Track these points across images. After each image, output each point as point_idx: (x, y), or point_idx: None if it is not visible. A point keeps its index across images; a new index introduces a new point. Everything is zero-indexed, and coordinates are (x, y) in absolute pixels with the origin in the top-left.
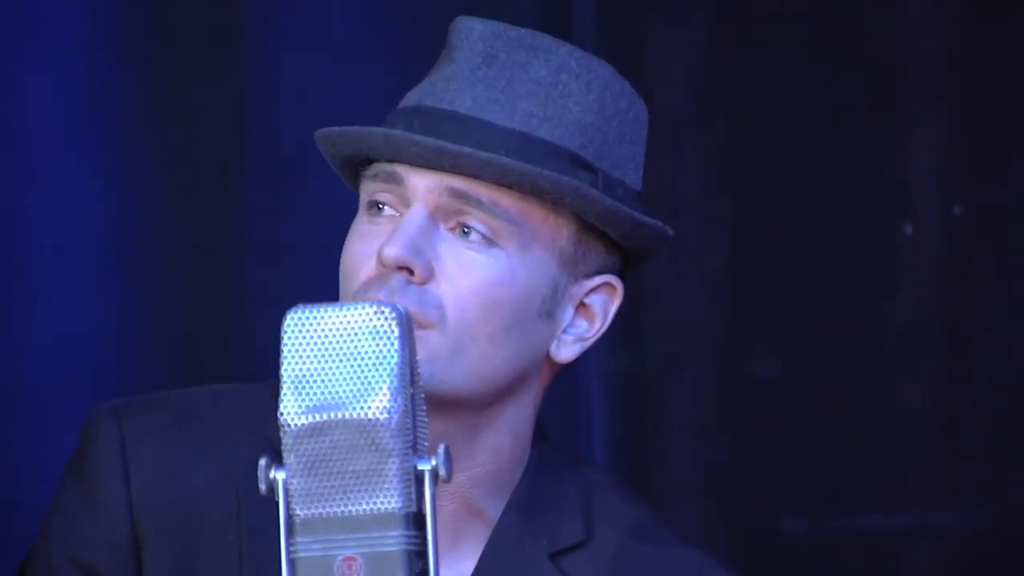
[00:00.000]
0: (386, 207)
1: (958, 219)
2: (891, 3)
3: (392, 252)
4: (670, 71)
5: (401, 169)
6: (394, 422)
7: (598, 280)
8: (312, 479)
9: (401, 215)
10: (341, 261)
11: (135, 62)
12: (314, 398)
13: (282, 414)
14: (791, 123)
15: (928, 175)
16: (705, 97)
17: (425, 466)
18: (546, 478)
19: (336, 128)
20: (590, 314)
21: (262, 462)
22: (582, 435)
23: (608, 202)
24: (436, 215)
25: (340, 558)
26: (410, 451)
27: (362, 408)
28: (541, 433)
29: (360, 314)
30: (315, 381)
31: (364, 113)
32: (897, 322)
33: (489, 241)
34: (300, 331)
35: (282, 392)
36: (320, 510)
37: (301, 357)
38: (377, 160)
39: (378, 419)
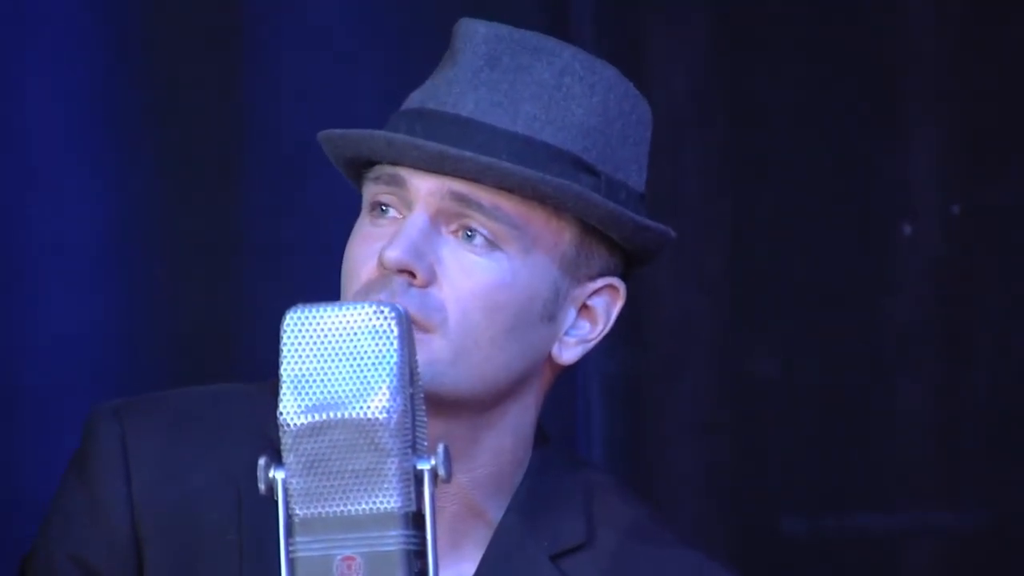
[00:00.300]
0: (389, 209)
1: (957, 219)
2: (891, 3)
3: (393, 255)
4: (669, 71)
5: (403, 172)
6: (393, 422)
7: (600, 282)
8: (311, 479)
9: (403, 217)
10: (343, 262)
11: (135, 62)
12: (313, 398)
13: (281, 413)
14: (791, 123)
15: (927, 175)
16: (705, 97)
17: (424, 466)
18: (547, 479)
19: (338, 131)
20: (592, 316)
21: (261, 462)
22: (581, 435)
23: (610, 206)
24: (438, 218)
25: (339, 558)
26: (409, 451)
27: (361, 408)
28: (543, 434)
29: (359, 314)
30: (314, 381)
31: (364, 113)
32: (897, 322)
33: (491, 244)
34: (299, 331)
35: (281, 392)
36: (319, 510)
37: (300, 357)
38: (380, 162)
39: (377, 419)
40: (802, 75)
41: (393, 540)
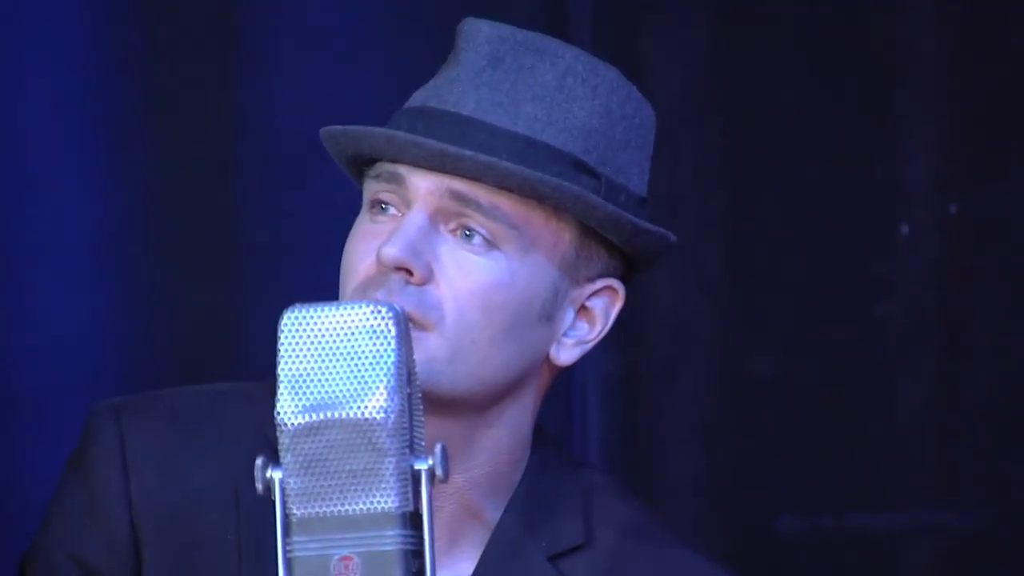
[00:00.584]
0: (389, 207)
1: (955, 219)
2: (889, 3)
3: (390, 253)
4: (668, 71)
5: (403, 170)
6: (391, 422)
7: (600, 284)
8: (309, 478)
9: (403, 215)
10: (342, 259)
11: (132, 63)
12: (311, 397)
13: (279, 413)
14: (789, 123)
15: (925, 175)
16: (703, 97)
17: (422, 465)
18: (546, 480)
19: (340, 127)
20: (591, 317)
21: (259, 461)
22: (579, 435)
23: (609, 208)
24: (437, 217)
25: (337, 557)
26: (407, 450)
27: (359, 407)
28: (542, 435)
29: (357, 313)
30: (312, 380)
31: (362, 114)
32: (895, 322)
33: (490, 244)
34: (297, 330)
35: (279, 391)
36: (317, 509)
37: (298, 356)
38: (381, 160)
39: (375, 418)
40: (801, 75)
41: (390, 540)
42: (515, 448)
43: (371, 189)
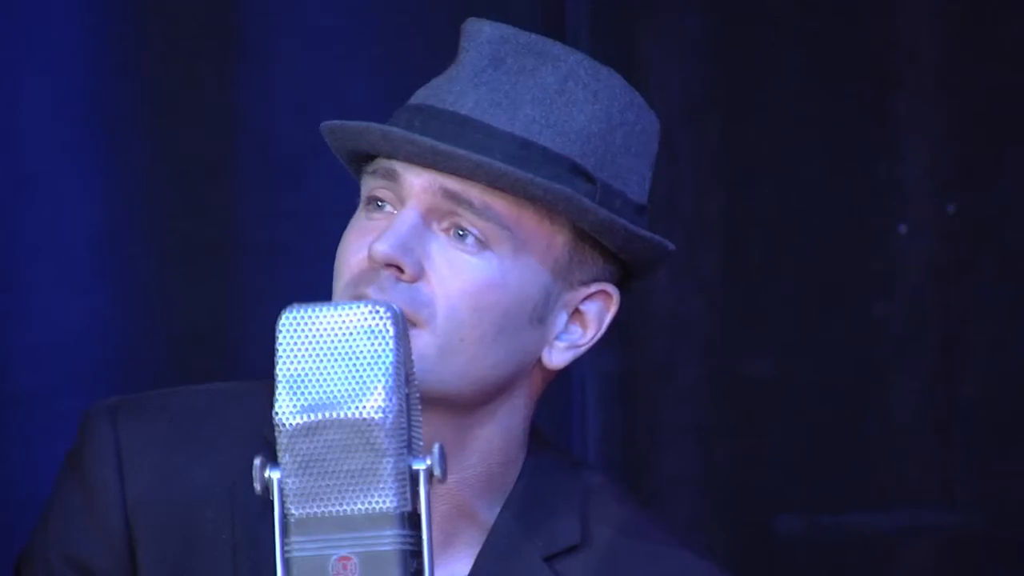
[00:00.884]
0: (385, 204)
1: (953, 219)
2: (888, 4)
3: (381, 249)
4: (666, 71)
5: (399, 167)
6: (389, 422)
7: (594, 288)
8: (307, 479)
9: (397, 213)
10: (337, 253)
11: (130, 64)
12: (309, 397)
13: (277, 413)
14: (787, 123)
15: (923, 175)
16: (701, 97)
17: (420, 466)
18: (542, 480)
19: (338, 121)
20: (584, 321)
21: (257, 461)
22: (577, 434)
23: (602, 213)
24: (430, 215)
25: (335, 558)
26: (405, 451)
27: (357, 408)
28: (539, 437)
29: (355, 313)
30: (310, 380)
31: (361, 114)
32: (892, 322)
33: (481, 244)
34: (295, 330)
35: (277, 391)
36: (315, 509)
37: (296, 356)
38: (378, 156)
39: (373, 419)
40: (799, 75)
41: (389, 540)
42: (507, 449)
43: (368, 185)
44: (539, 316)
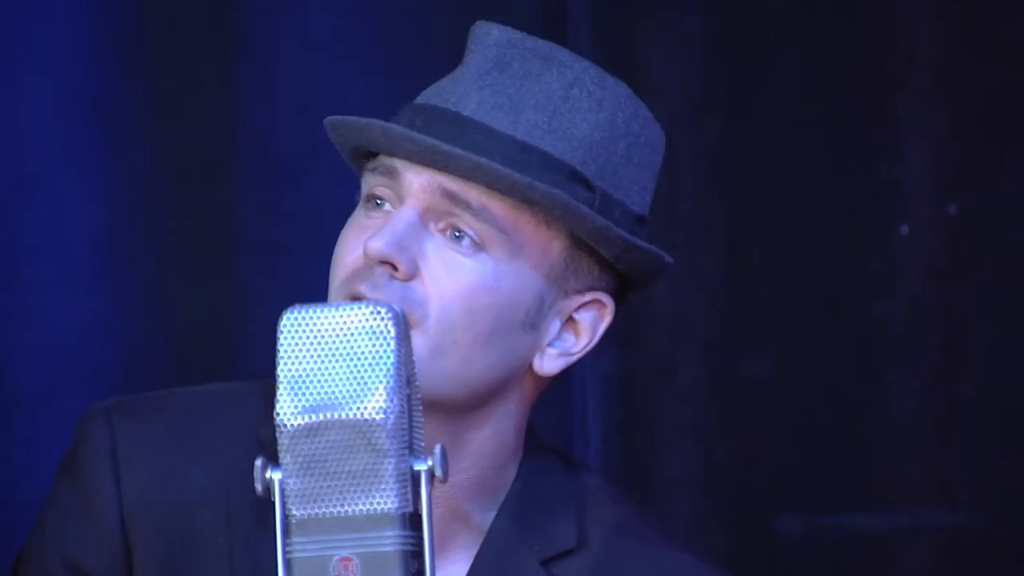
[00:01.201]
0: (384, 203)
1: (954, 219)
2: (888, 4)
3: (376, 246)
4: (666, 71)
5: (399, 165)
6: (390, 422)
7: (588, 297)
8: (308, 479)
9: (395, 211)
10: (334, 251)
11: (130, 64)
12: (310, 398)
13: (278, 414)
14: (787, 124)
15: (924, 176)
16: (702, 97)
17: (421, 466)
18: (538, 484)
19: (339, 117)
20: (577, 330)
21: (258, 462)
22: (577, 435)
23: (599, 221)
24: (427, 215)
25: (336, 558)
26: (406, 451)
27: (358, 408)
28: (535, 440)
29: (356, 314)
30: (311, 381)
31: (360, 115)
32: (893, 322)
33: (477, 246)
34: (296, 331)
35: (278, 392)
36: (316, 510)
37: (297, 357)
38: (379, 153)
39: (374, 419)
40: (799, 76)
41: (390, 541)
42: (500, 453)
43: (368, 183)
44: (532, 322)
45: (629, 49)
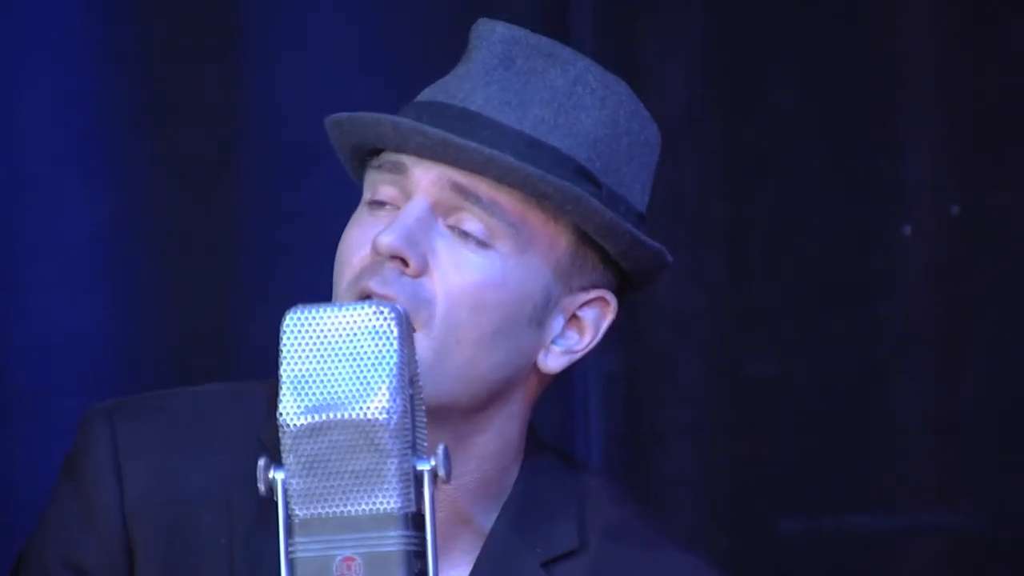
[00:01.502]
0: (388, 204)
1: (957, 220)
2: (890, 5)
3: (387, 240)
4: (666, 72)
5: (407, 160)
6: (393, 422)
7: (593, 294)
8: (311, 479)
9: (402, 206)
10: (337, 250)
11: (131, 64)
12: (313, 398)
13: (281, 414)
14: (789, 124)
15: (926, 176)
16: (703, 97)
17: (424, 466)
18: (539, 485)
19: (346, 114)
20: (581, 327)
21: (261, 462)
22: (580, 434)
23: (608, 215)
24: (436, 209)
25: (339, 558)
26: (409, 451)
27: (361, 408)
28: (536, 441)
29: (359, 314)
30: (314, 381)
31: None
32: (895, 322)
33: (485, 242)
34: (299, 331)
35: (281, 392)
36: (319, 510)
37: (300, 357)
38: (385, 150)
39: (377, 419)
40: (800, 76)
41: (393, 541)
42: (504, 455)
43: (372, 180)
44: (538, 318)
45: (630, 50)
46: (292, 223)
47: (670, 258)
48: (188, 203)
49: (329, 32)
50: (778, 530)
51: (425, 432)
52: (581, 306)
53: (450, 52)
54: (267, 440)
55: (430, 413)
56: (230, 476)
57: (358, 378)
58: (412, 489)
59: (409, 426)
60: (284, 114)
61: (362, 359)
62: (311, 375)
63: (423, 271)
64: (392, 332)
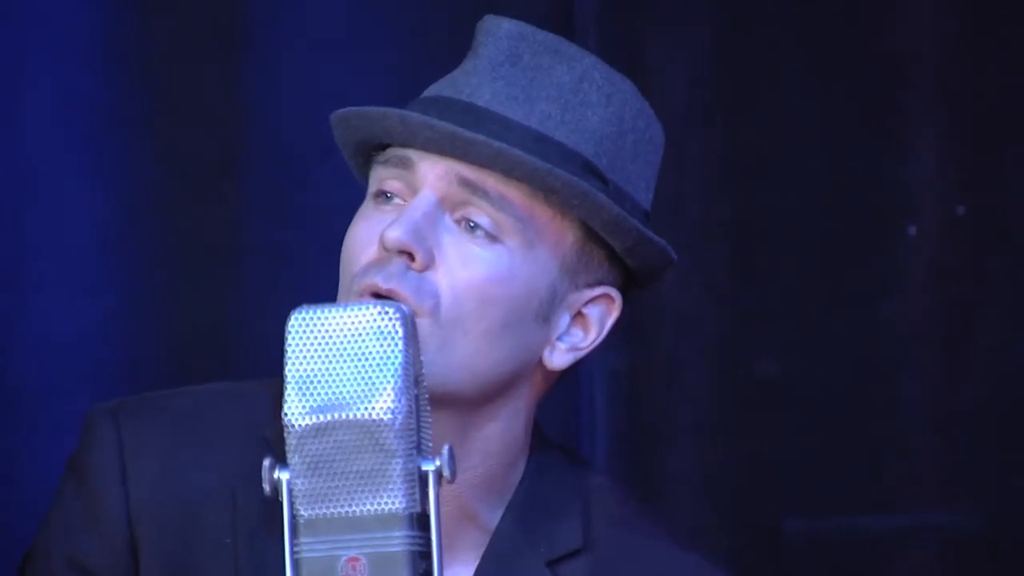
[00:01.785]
0: (394, 197)
1: (962, 220)
2: (894, 5)
3: (394, 235)
4: (673, 72)
5: (414, 155)
6: (398, 423)
7: (598, 291)
8: (316, 479)
9: (409, 201)
10: (343, 245)
11: (134, 64)
12: (318, 398)
13: (286, 414)
14: (794, 124)
15: (932, 176)
16: (708, 98)
17: (429, 466)
18: (545, 483)
19: (353, 108)
20: (586, 324)
21: (266, 463)
22: (584, 434)
23: (616, 210)
24: (443, 204)
25: (344, 558)
26: (414, 451)
27: (366, 408)
28: (542, 438)
29: (364, 315)
30: (319, 381)
31: None
32: (899, 322)
33: (493, 237)
34: (304, 332)
35: (286, 392)
36: (324, 510)
37: (305, 357)
38: (391, 145)
39: (382, 419)
40: (802, 77)
41: (398, 541)
42: (508, 451)
43: (378, 176)
44: (544, 314)
45: (635, 51)
46: (294, 224)
47: (675, 255)
48: (190, 203)
49: (332, 33)
50: (780, 529)
51: (430, 432)
52: (586, 303)
53: (453, 52)
54: (272, 439)
55: (435, 402)
56: (234, 475)
57: (363, 378)
58: (417, 489)
59: (414, 426)
60: (286, 114)
61: (367, 359)
62: (316, 375)
63: (429, 265)
64: (397, 332)
